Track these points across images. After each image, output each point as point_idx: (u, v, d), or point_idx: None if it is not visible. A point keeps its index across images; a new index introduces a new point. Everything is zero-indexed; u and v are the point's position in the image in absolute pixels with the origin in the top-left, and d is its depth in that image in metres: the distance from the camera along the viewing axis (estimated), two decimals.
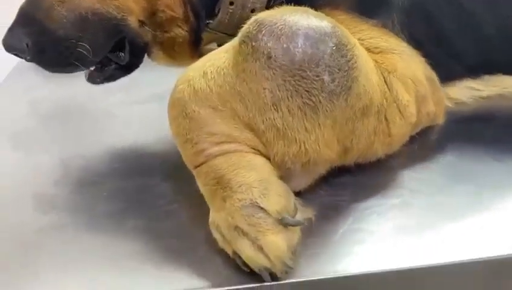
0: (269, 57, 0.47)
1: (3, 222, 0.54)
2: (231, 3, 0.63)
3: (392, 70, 0.57)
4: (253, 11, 0.63)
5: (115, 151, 0.66)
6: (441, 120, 0.66)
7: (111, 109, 0.75)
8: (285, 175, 0.49)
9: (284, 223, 0.43)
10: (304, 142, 0.48)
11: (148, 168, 0.62)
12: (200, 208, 0.51)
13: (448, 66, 0.67)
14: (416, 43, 0.64)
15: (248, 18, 0.51)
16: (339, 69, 0.48)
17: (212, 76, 0.49)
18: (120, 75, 0.67)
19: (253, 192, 0.44)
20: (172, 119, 0.51)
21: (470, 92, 0.73)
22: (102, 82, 0.66)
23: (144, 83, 0.74)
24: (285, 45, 0.46)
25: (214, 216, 0.47)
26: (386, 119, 0.55)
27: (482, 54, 0.69)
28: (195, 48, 0.66)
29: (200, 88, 0.49)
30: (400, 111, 0.56)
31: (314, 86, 0.47)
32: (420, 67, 0.61)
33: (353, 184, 0.57)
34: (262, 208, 0.43)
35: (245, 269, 0.44)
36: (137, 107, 0.76)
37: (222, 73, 0.49)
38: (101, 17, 0.59)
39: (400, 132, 0.57)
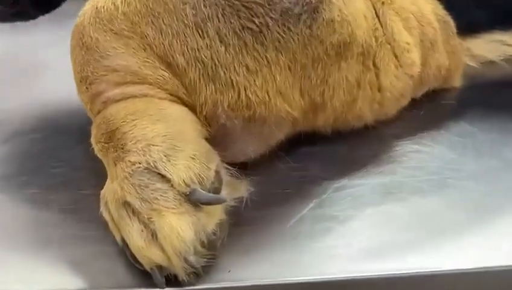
0: None
1: None
2: None
3: (388, 1, 0.41)
4: None
5: (37, 107, 0.52)
6: (457, 82, 0.50)
7: (43, 62, 0.61)
8: (220, 136, 0.35)
9: (193, 200, 0.28)
10: (245, 87, 0.33)
11: (65, 128, 0.48)
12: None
13: (470, 10, 0.51)
14: None
15: None
16: None
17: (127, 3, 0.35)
18: (35, 13, 0.52)
19: (152, 151, 0.29)
20: (71, 52, 0.37)
21: (499, 47, 0.55)
22: (11, 20, 0.52)
23: None
24: None
25: (106, 188, 0.32)
26: (375, 65, 0.39)
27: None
28: None
29: (104, 7, 0.35)
30: (395, 56, 0.40)
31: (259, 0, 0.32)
32: (429, 2, 0.45)
33: (329, 157, 0.41)
34: (163, 176, 0.29)
35: (136, 265, 0.29)
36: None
37: (140, 3, 0.34)
38: None
39: (395, 86, 0.41)
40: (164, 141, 0.30)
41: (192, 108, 0.34)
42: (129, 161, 0.29)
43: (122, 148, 0.30)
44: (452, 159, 0.40)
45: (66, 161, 0.42)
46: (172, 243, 0.27)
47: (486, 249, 0.31)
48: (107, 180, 0.33)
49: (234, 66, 0.33)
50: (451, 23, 0.47)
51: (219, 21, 0.32)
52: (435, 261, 0.30)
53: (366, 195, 0.37)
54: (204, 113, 0.34)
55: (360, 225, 0.34)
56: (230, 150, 0.35)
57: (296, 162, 0.40)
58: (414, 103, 0.46)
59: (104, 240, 0.32)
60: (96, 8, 0.35)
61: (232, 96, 0.33)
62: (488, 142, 0.42)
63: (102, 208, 0.32)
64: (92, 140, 0.34)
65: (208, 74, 0.33)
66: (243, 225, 0.33)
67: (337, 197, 0.36)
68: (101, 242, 0.33)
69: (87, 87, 0.34)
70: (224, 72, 0.33)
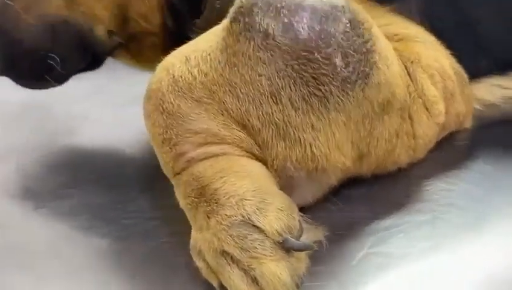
0: (266, 35, 0.37)
1: None
2: None
3: (416, 60, 0.47)
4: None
5: (85, 158, 0.55)
6: (469, 124, 0.57)
7: (83, 112, 0.64)
8: (287, 185, 0.39)
9: (286, 247, 0.33)
10: (311, 144, 0.38)
11: (122, 179, 0.51)
12: (182, 227, 0.40)
13: (475, 59, 0.58)
14: (437, 32, 0.54)
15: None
16: (354, 51, 0.38)
17: (197, 62, 0.40)
18: (75, 73, 0.58)
19: (245, 205, 0.34)
20: (147, 115, 0.41)
21: (499, 91, 0.62)
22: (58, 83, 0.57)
23: (123, 83, 0.64)
24: (286, 20, 0.37)
25: (196, 238, 0.36)
26: (410, 117, 0.45)
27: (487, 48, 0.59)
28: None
29: (181, 76, 0.40)
30: (426, 108, 0.46)
31: (324, 71, 0.37)
32: (447, 58, 0.51)
33: (370, 198, 0.46)
34: (257, 227, 0.33)
35: None
36: (115, 110, 0.65)
37: (208, 58, 0.39)
38: (69, 26, 0.55)
39: (426, 134, 0.47)
40: (254, 195, 0.34)
41: (263, 162, 0.39)
42: (225, 215, 0.34)
43: (216, 203, 0.35)
44: (479, 195, 0.46)
45: (135, 212, 0.45)
46: (274, 287, 0.31)
47: None
48: (194, 231, 0.37)
49: (302, 126, 0.38)
50: (464, 74, 0.54)
51: (291, 90, 0.37)
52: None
53: (413, 232, 0.42)
54: (275, 166, 0.39)
55: (415, 260, 0.39)
56: (293, 197, 0.40)
57: (345, 205, 0.45)
58: (437, 145, 0.52)
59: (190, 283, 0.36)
60: (174, 76, 0.40)
61: (299, 152, 0.38)
62: (507, 179, 0.48)
63: (194, 257, 0.36)
64: (178, 194, 0.39)
65: (280, 133, 0.38)
66: (312, 266, 0.37)
67: (389, 235, 0.41)
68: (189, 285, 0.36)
69: (170, 148, 0.39)
70: (293, 132, 0.38)
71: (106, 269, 0.40)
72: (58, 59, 0.54)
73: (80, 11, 0.55)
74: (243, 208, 0.34)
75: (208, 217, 0.35)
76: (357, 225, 0.43)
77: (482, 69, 0.60)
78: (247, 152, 0.39)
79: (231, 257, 0.33)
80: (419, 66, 0.47)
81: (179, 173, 0.39)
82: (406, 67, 0.46)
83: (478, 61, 0.58)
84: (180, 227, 0.41)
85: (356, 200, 0.46)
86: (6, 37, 0.55)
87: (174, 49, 0.50)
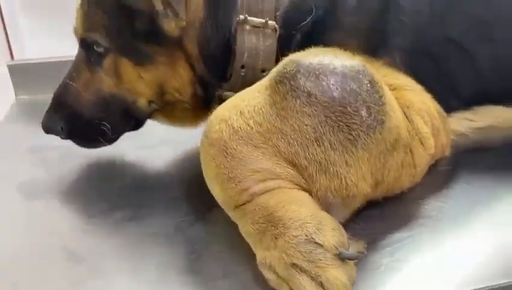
0: (310, 95, 0.48)
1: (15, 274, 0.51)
2: (242, 67, 0.65)
3: (410, 106, 0.60)
4: (263, 71, 0.65)
5: (129, 196, 0.64)
6: (448, 151, 0.70)
7: (120, 155, 0.73)
8: (326, 210, 0.50)
9: (342, 257, 0.43)
10: (345, 176, 0.49)
11: (174, 211, 0.60)
12: (241, 249, 0.50)
13: (447, 99, 0.71)
14: (417, 79, 0.68)
15: (259, 78, 0.56)
16: (374, 104, 0.50)
17: (251, 115, 0.50)
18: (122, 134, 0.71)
19: (307, 227, 0.44)
20: (210, 158, 0.51)
21: (466, 123, 0.77)
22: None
23: (152, 127, 0.73)
24: (324, 83, 0.48)
25: (265, 255, 0.46)
26: (411, 151, 0.57)
27: (478, 86, 0.73)
28: (203, 113, 0.68)
29: (240, 127, 0.50)
30: (422, 143, 0.59)
31: (354, 120, 0.49)
32: (432, 102, 0.64)
33: (383, 217, 0.58)
34: (318, 243, 0.43)
35: None
36: (147, 152, 0.74)
37: (260, 112, 0.50)
38: (118, 100, 0.67)
39: (422, 163, 0.59)
40: (312, 219, 0.45)
41: (309, 192, 0.49)
42: (292, 235, 0.44)
43: (283, 226, 0.45)
44: (465, 208, 0.59)
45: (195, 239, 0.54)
46: (338, 288, 0.41)
47: None
48: (260, 250, 0.46)
49: (339, 163, 0.49)
50: (444, 113, 0.67)
51: (330, 135, 0.48)
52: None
53: (419, 241, 0.53)
54: (318, 195, 0.49)
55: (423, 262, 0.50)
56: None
57: (363, 223, 0.56)
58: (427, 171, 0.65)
59: None
60: (233, 127, 0.50)
61: (336, 183, 0.49)
62: (485, 195, 0.62)
63: (264, 270, 0.45)
64: (244, 222, 0.48)
65: (322, 169, 0.49)
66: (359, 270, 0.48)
67: (401, 246, 0.53)
68: None
69: (235, 185, 0.48)
70: (332, 168, 0.49)
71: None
72: (109, 126, 0.66)
73: (126, 88, 0.66)
74: (306, 229, 0.44)
75: (276, 238, 0.45)
76: (376, 239, 0.54)
77: (453, 106, 0.74)
78: (296, 185, 0.49)
79: (300, 268, 0.43)
80: (413, 110, 0.59)
81: (242, 205, 0.49)
82: (403, 111, 0.58)
83: (449, 101, 0.72)
84: (239, 251, 0.50)
85: (372, 219, 0.57)
86: (70, 110, 0.67)
87: (202, 110, 0.66)
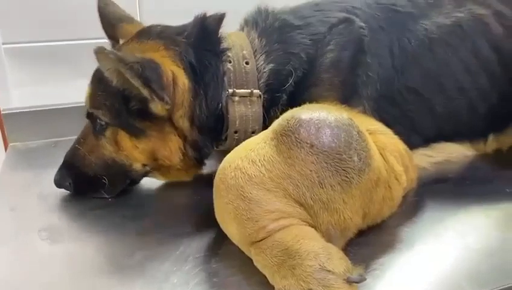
0: (312, 145, 0.58)
1: None
2: (235, 132, 0.78)
3: (385, 147, 0.71)
4: (253, 132, 0.78)
5: (145, 236, 0.70)
6: (415, 184, 0.82)
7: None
8: (327, 241, 0.59)
9: (349, 281, 0.52)
10: (343, 212, 0.59)
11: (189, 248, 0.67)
12: (257, 279, 0.58)
13: (409, 138, 0.84)
14: (384, 122, 0.80)
15: (249, 138, 0.67)
16: (362, 150, 0.60)
17: (262, 163, 0.59)
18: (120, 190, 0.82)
19: (320, 258, 0.53)
20: (228, 202, 0.59)
21: (425, 158, 0.90)
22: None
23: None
24: (324, 135, 0.58)
25: (284, 284, 0.54)
26: (389, 187, 0.68)
27: (434, 127, 0.87)
28: (196, 168, 0.82)
29: (254, 174, 0.58)
30: (397, 179, 0.70)
31: (348, 165, 0.59)
32: (400, 143, 0.76)
33: (367, 243, 0.68)
34: (330, 271, 0.52)
35: None
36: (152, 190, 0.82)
37: (270, 160, 0.59)
38: (117, 163, 0.78)
39: (398, 196, 0.71)
40: (323, 250, 0.54)
41: (314, 227, 0.58)
42: (308, 265, 0.52)
43: (300, 258, 0.53)
44: (434, 230, 0.70)
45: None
46: None
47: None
48: (278, 279, 0.54)
49: (338, 201, 0.59)
50: (410, 151, 0.79)
51: (331, 178, 0.58)
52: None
53: (399, 257, 0.64)
54: (321, 229, 0.58)
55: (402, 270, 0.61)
56: None
57: (355, 249, 0.66)
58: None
59: None
60: (248, 174, 0.58)
61: (336, 218, 0.59)
62: (449, 219, 0.74)
63: None
64: (262, 256, 0.56)
65: (324, 207, 0.58)
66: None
67: (387, 267, 0.63)
68: None
69: (253, 224, 0.57)
70: (332, 205, 0.58)
71: None
72: (107, 181, 0.78)
73: (124, 154, 0.78)
74: (319, 260, 0.53)
75: (294, 268, 0.53)
76: (366, 263, 0.64)
77: (414, 144, 0.87)
78: (304, 221, 0.58)
79: None
80: (387, 151, 0.71)
81: (259, 241, 0.57)
82: (380, 153, 0.70)
83: (411, 139, 0.85)
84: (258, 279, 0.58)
85: (360, 246, 0.67)
86: (77, 170, 0.79)
87: (194, 167, 0.81)
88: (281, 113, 0.73)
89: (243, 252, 0.62)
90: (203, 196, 0.79)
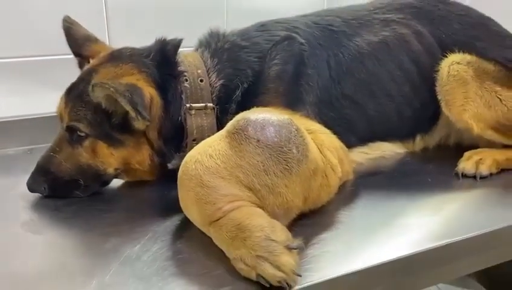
0: (258, 140, 0.70)
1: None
2: (194, 140, 0.91)
3: (322, 144, 0.85)
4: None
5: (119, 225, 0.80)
6: (351, 176, 0.96)
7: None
8: (274, 219, 0.71)
9: (289, 248, 0.64)
10: (285, 195, 0.72)
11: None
12: (216, 253, 0.69)
13: (347, 138, 0.98)
14: (325, 124, 0.94)
15: None
16: (300, 144, 0.73)
17: (218, 157, 0.71)
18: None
19: (265, 230, 0.65)
20: (189, 189, 0.70)
21: (362, 155, 1.05)
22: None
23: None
24: (268, 133, 0.71)
25: (237, 253, 0.65)
26: (326, 175, 0.81)
27: (368, 128, 1.02)
28: (159, 170, 0.93)
29: (211, 166, 0.70)
30: (333, 170, 0.83)
31: (289, 156, 0.72)
32: (336, 140, 0.90)
33: (311, 224, 0.80)
34: (274, 240, 0.64)
35: (266, 285, 0.63)
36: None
37: (224, 154, 0.71)
38: (92, 168, 0.88)
39: (335, 184, 0.84)
40: (268, 225, 0.66)
41: (262, 208, 0.71)
42: (255, 236, 0.64)
43: (249, 231, 0.65)
44: (368, 214, 0.84)
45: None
46: (290, 268, 0.62)
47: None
48: (232, 250, 0.66)
49: (281, 186, 0.71)
50: (346, 148, 0.93)
51: (274, 167, 0.70)
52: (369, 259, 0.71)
53: (336, 239, 0.77)
54: (268, 210, 0.71)
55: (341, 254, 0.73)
56: None
57: (298, 228, 0.78)
58: (338, 190, 0.89)
59: None
60: (206, 166, 0.70)
61: (280, 200, 0.71)
62: (380, 206, 0.87)
63: (237, 264, 0.65)
64: (220, 232, 0.68)
65: (270, 191, 0.70)
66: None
67: (325, 243, 0.76)
68: None
69: (211, 206, 0.68)
70: (276, 189, 0.71)
71: None
72: (83, 183, 0.88)
73: (99, 160, 0.88)
74: (264, 232, 0.65)
75: (245, 240, 0.65)
76: (308, 239, 0.76)
77: (352, 143, 1.01)
78: (253, 203, 0.70)
79: (263, 258, 0.63)
80: (324, 146, 0.84)
81: (216, 220, 0.69)
82: (318, 148, 0.83)
83: (349, 139, 0.99)
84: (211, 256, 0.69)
85: (305, 226, 0.79)
86: (52, 175, 0.88)
87: (157, 169, 0.91)
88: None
89: (203, 234, 0.73)
90: (168, 189, 0.90)
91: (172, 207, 0.79)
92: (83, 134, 0.86)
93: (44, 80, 1.18)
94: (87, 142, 0.87)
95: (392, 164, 1.08)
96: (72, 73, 1.12)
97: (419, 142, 1.12)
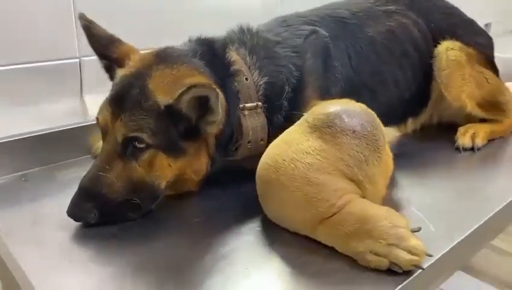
0: (354, 131, 0.70)
1: None
2: (249, 142, 0.86)
3: None
4: (262, 140, 0.87)
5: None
6: None
7: None
8: None
9: (413, 231, 0.65)
10: (379, 183, 0.73)
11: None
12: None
13: None
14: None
15: (259, 147, 0.82)
16: (382, 130, 0.74)
17: (316, 152, 0.69)
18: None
19: (388, 218, 0.65)
20: (293, 190, 0.67)
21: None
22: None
23: None
24: (360, 122, 0.71)
25: (363, 246, 0.64)
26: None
27: (378, 111, 1.03)
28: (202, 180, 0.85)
29: (312, 162, 0.68)
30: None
31: (380, 144, 0.72)
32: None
33: None
34: (399, 226, 0.65)
35: (399, 271, 0.63)
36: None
37: (321, 149, 0.69)
38: (145, 183, 0.77)
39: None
40: (387, 212, 0.66)
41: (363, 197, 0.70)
42: (381, 225, 0.64)
43: (372, 222, 0.64)
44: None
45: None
46: (421, 250, 0.63)
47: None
48: (355, 244, 0.64)
49: (376, 174, 0.71)
50: None
51: (371, 156, 0.70)
52: None
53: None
54: (369, 198, 0.70)
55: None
56: None
57: None
58: None
59: None
60: (308, 163, 0.67)
61: (376, 189, 0.72)
62: None
63: (366, 256, 0.63)
64: (337, 228, 0.65)
65: (370, 181, 0.70)
66: None
67: None
68: None
69: (325, 202, 0.66)
70: (373, 178, 0.71)
71: None
72: (139, 202, 0.76)
73: (155, 174, 0.77)
74: (388, 219, 0.65)
75: (370, 231, 0.64)
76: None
77: None
78: (358, 195, 0.69)
79: (393, 245, 0.63)
80: None
81: (328, 218, 0.66)
82: None
83: None
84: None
85: None
86: (103, 198, 0.74)
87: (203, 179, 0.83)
88: (284, 119, 0.85)
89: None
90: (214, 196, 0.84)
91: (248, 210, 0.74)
92: (142, 145, 0.75)
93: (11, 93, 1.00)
94: (146, 155, 0.76)
95: (395, 148, 1.14)
96: (40, 83, 1.03)
97: (410, 125, 1.20)
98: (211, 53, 0.84)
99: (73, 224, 0.74)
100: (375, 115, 0.75)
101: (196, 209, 0.83)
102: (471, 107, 1.12)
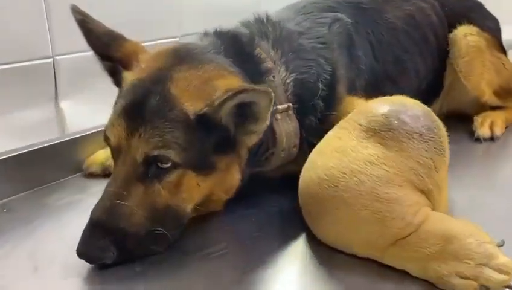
0: (421, 134, 0.61)
1: None
2: (283, 150, 0.74)
3: None
4: (294, 146, 0.75)
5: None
6: None
7: None
8: None
9: (499, 246, 0.57)
10: (445, 190, 0.64)
11: None
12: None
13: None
14: None
15: (292, 154, 0.72)
16: (443, 130, 0.65)
17: (380, 161, 0.58)
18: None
19: (473, 235, 0.56)
20: (361, 208, 0.57)
21: None
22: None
23: None
24: (425, 123, 0.61)
25: (447, 269, 0.55)
26: None
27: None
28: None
29: (380, 174, 0.57)
30: None
31: (444, 146, 0.63)
32: None
33: None
34: (485, 242, 0.56)
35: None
36: None
37: (385, 157, 0.59)
38: (170, 209, 0.63)
39: None
40: (470, 227, 0.57)
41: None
42: (467, 243, 0.55)
43: (457, 240, 0.55)
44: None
45: None
46: (511, 267, 0.55)
47: None
48: (437, 266, 0.55)
49: (443, 181, 0.62)
50: None
51: (439, 161, 0.61)
52: None
53: None
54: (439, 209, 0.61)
55: None
56: None
57: None
58: None
59: None
60: (375, 175, 0.57)
61: (443, 197, 0.63)
62: None
63: (452, 279, 0.54)
64: (414, 249, 0.56)
65: (438, 189, 0.61)
66: None
67: None
68: None
69: (400, 221, 0.56)
70: (442, 185, 0.62)
71: None
72: (166, 233, 0.62)
73: (181, 197, 0.64)
74: (474, 236, 0.56)
75: (456, 251, 0.55)
76: None
77: None
78: (429, 207, 0.60)
79: (483, 264, 0.54)
80: None
81: (406, 237, 0.56)
82: None
83: None
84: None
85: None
86: (122, 232, 0.60)
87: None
88: (319, 121, 0.73)
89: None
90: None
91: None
92: (168, 165, 0.61)
93: None
94: (173, 176, 0.62)
95: None
96: (7, 87, 0.88)
97: None
98: (236, 48, 0.71)
99: (86, 266, 0.60)
100: (434, 113, 0.66)
101: (227, 234, 0.71)
102: (488, 96, 1.06)
